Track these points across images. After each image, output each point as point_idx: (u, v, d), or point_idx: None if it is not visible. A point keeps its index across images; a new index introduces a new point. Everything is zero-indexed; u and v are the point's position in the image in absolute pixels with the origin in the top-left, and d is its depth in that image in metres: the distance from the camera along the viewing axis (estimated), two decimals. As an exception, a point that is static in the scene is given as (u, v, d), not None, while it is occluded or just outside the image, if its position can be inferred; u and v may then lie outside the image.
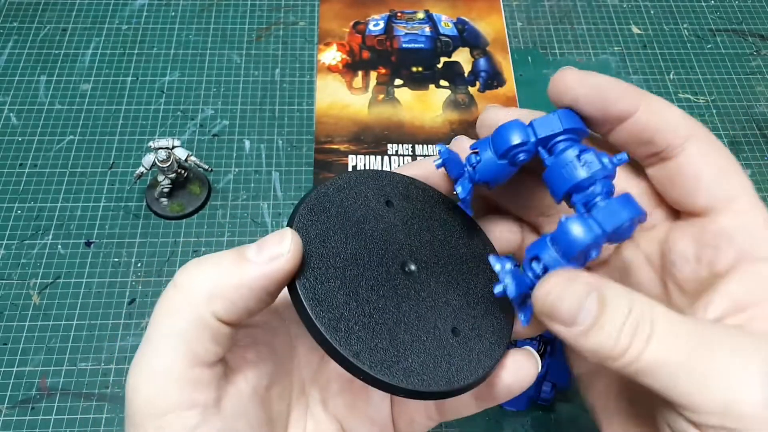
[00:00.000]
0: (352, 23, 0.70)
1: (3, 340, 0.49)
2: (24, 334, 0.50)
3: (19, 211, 0.56)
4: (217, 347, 0.23)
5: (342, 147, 0.61)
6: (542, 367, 0.45)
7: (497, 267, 0.26)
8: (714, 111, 0.65)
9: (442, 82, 0.66)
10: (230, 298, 0.23)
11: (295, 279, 0.24)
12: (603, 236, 0.23)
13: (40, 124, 0.61)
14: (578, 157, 0.25)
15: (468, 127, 0.63)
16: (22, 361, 0.49)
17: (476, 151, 0.27)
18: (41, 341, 0.49)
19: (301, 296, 0.23)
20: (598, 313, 0.22)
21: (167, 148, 0.53)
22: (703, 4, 0.73)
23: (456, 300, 0.27)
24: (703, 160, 0.25)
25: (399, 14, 0.71)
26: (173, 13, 0.69)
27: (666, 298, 0.27)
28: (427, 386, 0.24)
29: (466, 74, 0.66)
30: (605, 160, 0.25)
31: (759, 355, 0.21)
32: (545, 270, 0.24)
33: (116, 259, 0.54)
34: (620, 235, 0.24)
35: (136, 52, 0.66)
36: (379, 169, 0.30)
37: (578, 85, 0.26)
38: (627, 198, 0.24)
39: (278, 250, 0.23)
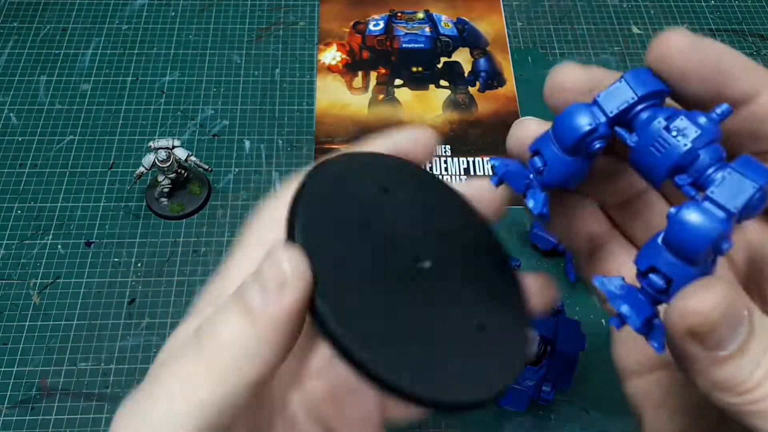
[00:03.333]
0: (352, 23, 0.70)
1: (3, 340, 0.50)
2: (24, 334, 0.50)
3: (19, 211, 0.56)
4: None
5: (342, 147, 0.61)
6: (542, 367, 0.45)
7: (606, 290, 0.21)
8: (714, 111, 0.65)
9: (442, 82, 0.66)
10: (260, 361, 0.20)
11: (314, 297, 0.21)
12: (730, 220, 0.18)
13: (40, 124, 0.61)
14: (667, 127, 0.20)
15: (468, 127, 0.63)
16: (22, 361, 0.49)
17: (537, 152, 0.23)
18: (41, 341, 0.49)
19: (326, 316, 0.20)
20: (747, 340, 0.18)
21: (167, 148, 0.53)
22: (703, 4, 0.73)
23: (474, 294, 0.24)
24: None
25: (399, 14, 0.71)
26: (173, 13, 0.69)
27: None
28: (474, 395, 0.21)
29: (466, 74, 0.66)
30: (702, 120, 0.19)
31: None
32: (669, 283, 0.19)
33: (116, 259, 0.54)
34: (751, 210, 0.19)
35: (136, 52, 0.66)
36: (365, 151, 0.27)
37: (689, 53, 0.20)
38: (747, 161, 0.19)
39: (282, 278, 0.20)
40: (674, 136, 0.19)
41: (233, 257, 0.25)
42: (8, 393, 0.47)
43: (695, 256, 0.19)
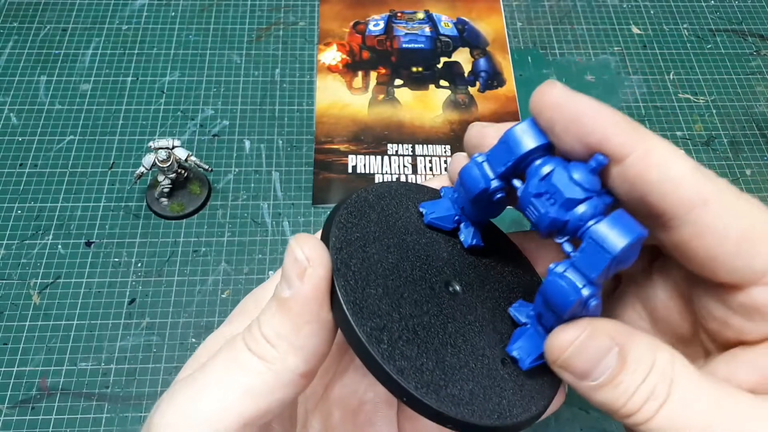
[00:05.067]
0: (352, 23, 0.70)
1: (3, 340, 0.50)
2: (24, 334, 0.50)
3: (20, 211, 0.56)
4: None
5: (342, 147, 0.61)
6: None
7: (516, 319, 0.23)
8: (714, 111, 0.65)
9: (442, 82, 0.66)
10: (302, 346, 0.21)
11: (334, 282, 0.21)
12: (592, 284, 0.20)
13: (40, 124, 0.61)
14: (539, 194, 0.20)
15: (467, 127, 0.63)
16: (23, 361, 0.49)
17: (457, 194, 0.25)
18: (41, 341, 0.49)
19: (341, 299, 0.21)
20: (617, 371, 0.20)
21: (167, 148, 0.53)
22: (703, 4, 0.73)
23: (504, 328, 0.24)
24: (718, 234, 0.20)
25: (399, 14, 0.71)
26: (173, 13, 0.69)
27: (692, 333, 0.24)
28: (478, 418, 0.21)
29: (466, 74, 0.66)
30: (576, 175, 0.20)
31: None
32: (552, 328, 0.22)
33: (116, 259, 0.54)
34: (620, 264, 0.20)
35: (136, 52, 0.66)
36: (418, 183, 0.27)
37: (560, 110, 0.20)
38: (617, 219, 0.20)
39: (300, 267, 0.21)
40: (546, 200, 0.20)
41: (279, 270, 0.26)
42: (8, 393, 0.47)
43: (562, 315, 0.21)
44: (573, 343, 0.20)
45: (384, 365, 0.20)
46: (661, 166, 0.20)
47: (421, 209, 0.25)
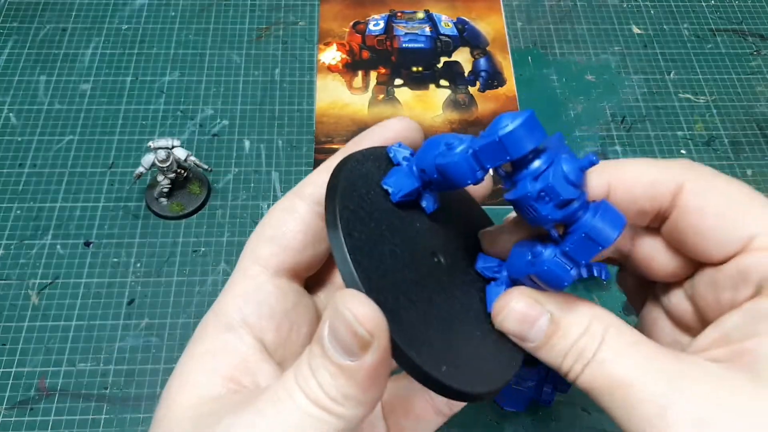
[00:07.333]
0: (352, 23, 0.70)
1: (2, 340, 0.49)
2: (23, 335, 0.50)
3: (19, 211, 0.56)
4: None
5: (342, 147, 0.60)
6: (543, 369, 0.45)
7: (485, 275, 0.26)
8: (714, 111, 0.65)
9: (442, 82, 0.66)
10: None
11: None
12: (578, 266, 0.22)
13: (39, 124, 0.61)
14: (536, 196, 0.22)
15: (468, 127, 0.63)
16: (21, 362, 0.49)
17: (423, 170, 0.25)
18: (40, 341, 0.49)
19: (404, 350, 0.21)
20: (550, 333, 0.23)
21: (167, 148, 0.53)
22: (703, 4, 0.73)
23: (481, 281, 0.26)
24: (700, 210, 0.23)
25: (399, 14, 0.71)
26: (173, 13, 0.69)
27: (699, 323, 0.26)
28: (497, 385, 0.24)
29: (466, 74, 0.66)
30: (569, 172, 0.22)
31: (695, 401, 0.20)
32: None
33: (115, 259, 0.53)
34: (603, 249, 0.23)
35: (135, 52, 0.66)
36: (361, 149, 0.27)
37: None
38: (605, 216, 0.22)
39: (362, 340, 0.20)
40: (543, 197, 0.22)
41: (234, 275, 0.26)
42: (7, 394, 0.47)
43: (558, 290, 0.23)
44: (503, 308, 0.24)
45: (456, 387, 0.22)
46: (636, 178, 0.24)
47: (385, 188, 0.25)
